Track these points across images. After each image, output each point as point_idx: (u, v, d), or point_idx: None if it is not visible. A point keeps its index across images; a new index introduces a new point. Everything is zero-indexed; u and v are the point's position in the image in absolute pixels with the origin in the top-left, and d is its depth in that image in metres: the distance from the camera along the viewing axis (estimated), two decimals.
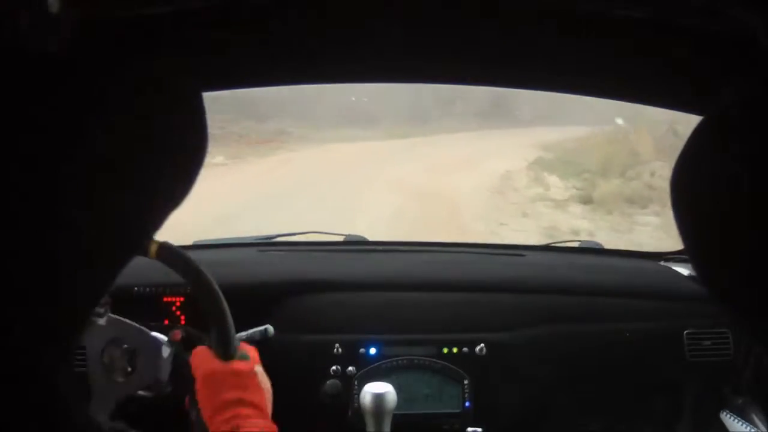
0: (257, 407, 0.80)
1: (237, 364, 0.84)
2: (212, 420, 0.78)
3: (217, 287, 0.88)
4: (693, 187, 0.41)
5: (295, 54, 0.98)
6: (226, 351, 0.85)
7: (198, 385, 0.83)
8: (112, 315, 0.91)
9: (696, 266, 0.43)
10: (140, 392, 0.90)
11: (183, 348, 0.92)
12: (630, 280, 1.40)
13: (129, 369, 0.90)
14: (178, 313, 1.15)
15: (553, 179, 8.70)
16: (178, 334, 0.93)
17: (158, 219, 0.43)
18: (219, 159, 8.17)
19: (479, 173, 8.63)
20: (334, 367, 1.15)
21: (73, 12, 0.56)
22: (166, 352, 0.94)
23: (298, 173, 8.28)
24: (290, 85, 1.15)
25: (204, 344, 0.99)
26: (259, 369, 0.86)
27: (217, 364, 0.84)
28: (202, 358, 0.86)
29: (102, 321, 0.90)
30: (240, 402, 0.79)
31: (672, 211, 0.42)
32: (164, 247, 0.87)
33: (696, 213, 0.41)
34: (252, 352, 0.89)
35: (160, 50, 0.78)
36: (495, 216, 6.63)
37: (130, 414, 0.86)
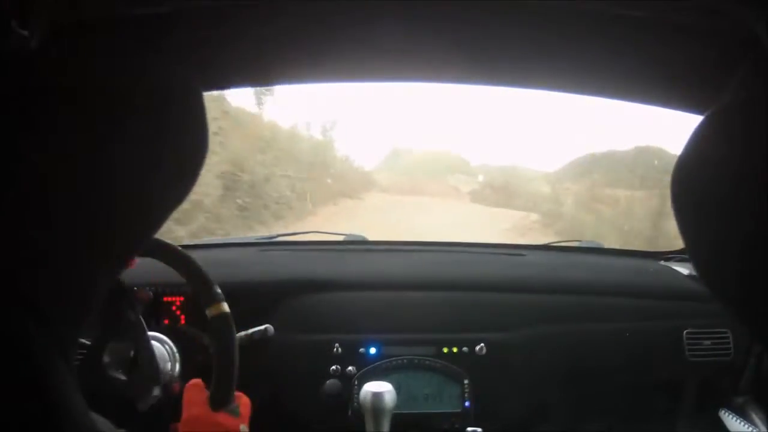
0: None
1: (224, 418, 0.83)
2: None
3: (236, 341, 0.90)
4: (694, 186, 0.41)
5: (295, 54, 0.98)
6: (219, 401, 0.86)
7: (181, 423, 0.83)
8: (141, 318, 0.92)
9: (696, 264, 0.43)
10: (137, 393, 0.90)
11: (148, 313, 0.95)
12: (630, 280, 1.39)
13: (129, 369, 0.90)
14: (178, 312, 1.15)
15: None
16: (146, 296, 0.99)
17: (159, 218, 0.43)
18: None
19: None
20: (334, 367, 1.15)
21: (69, 14, 0.56)
22: (166, 357, 0.94)
23: None
24: (289, 85, 1.15)
25: (203, 343, 0.99)
26: (243, 429, 0.86)
27: (205, 410, 0.83)
28: (193, 396, 0.85)
29: (132, 316, 0.91)
30: None
31: (672, 208, 0.42)
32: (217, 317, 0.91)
33: (697, 211, 0.41)
34: (244, 407, 0.89)
35: (160, 50, 0.78)
36: None
37: (122, 413, 0.87)
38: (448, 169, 8.53)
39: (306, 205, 5.68)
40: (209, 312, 0.91)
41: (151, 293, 1.10)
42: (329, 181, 6.54)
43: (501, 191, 7.54)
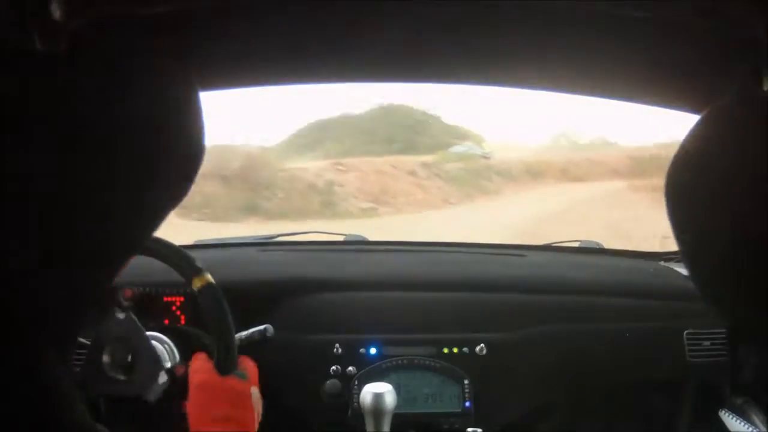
0: (244, 428, 0.79)
1: (233, 381, 0.83)
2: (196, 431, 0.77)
3: (227, 307, 0.89)
4: (689, 188, 0.41)
5: (295, 54, 0.98)
6: (225, 365, 0.85)
7: (190, 393, 0.83)
8: (131, 314, 0.92)
9: (689, 267, 0.43)
10: (142, 385, 0.90)
11: (135, 309, 0.93)
12: (630, 280, 1.39)
13: (128, 369, 0.90)
14: (178, 312, 1.15)
15: None
16: (128, 292, 0.99)
17: (156, 219, 0.43)
18: None
19: None
20: (334, 367, 1.15)
21: (75, 16, 0.57)
22: (165, 357, 0.94)
23: None
24: (289, 85, 1.15)
25: (203, 343, 0.99)
26: (254, 390, 0.85)
27: (213, 376, 0.83)
28: (200, 366, 0.85)
29: (121, 315, 0.91)
30: (228, 419, 0.78)
31: (666, 211, 0.42)
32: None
33: (691, 213, 0.41)
34: (251, 371, 0.88)
35: (160, 50, 0.78)
36: None
37: (120, 413, 0.87)
38: None
39: None
40: (194, 285, 0.89)
41: (138, 290, 1.09)
42: None
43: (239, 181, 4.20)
